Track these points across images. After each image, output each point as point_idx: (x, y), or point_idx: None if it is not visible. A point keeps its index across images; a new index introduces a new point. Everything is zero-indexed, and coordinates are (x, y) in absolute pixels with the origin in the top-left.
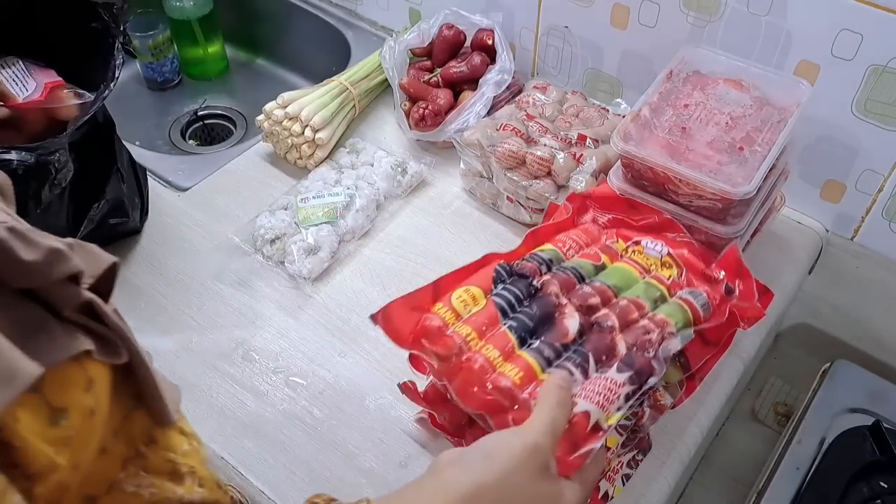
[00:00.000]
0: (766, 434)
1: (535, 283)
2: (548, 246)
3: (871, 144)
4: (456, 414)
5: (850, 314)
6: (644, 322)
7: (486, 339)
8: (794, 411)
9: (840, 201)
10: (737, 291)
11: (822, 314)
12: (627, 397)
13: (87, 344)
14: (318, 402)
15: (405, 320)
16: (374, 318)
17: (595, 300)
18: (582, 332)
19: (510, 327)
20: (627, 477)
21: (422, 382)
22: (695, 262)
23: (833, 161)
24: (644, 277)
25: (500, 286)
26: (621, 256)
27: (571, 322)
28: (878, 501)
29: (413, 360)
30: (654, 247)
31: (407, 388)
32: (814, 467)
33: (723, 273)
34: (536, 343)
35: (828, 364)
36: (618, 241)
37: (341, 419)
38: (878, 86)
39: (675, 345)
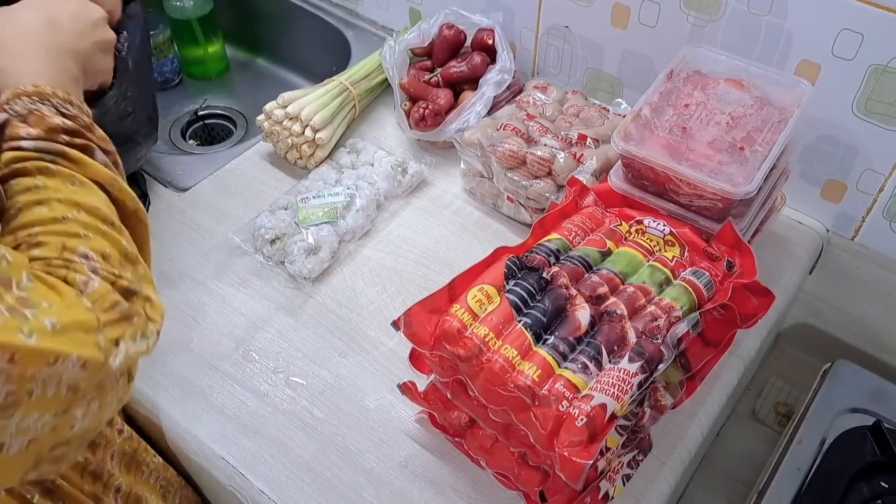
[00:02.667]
0: (767, 434)
1: (545, 275)
2: (554, 235)
3: (871, 144)
4: (456, 414)
5: (850, 314)
6: (651, 308)
7: (504, 338)
8: (794, 411)
9: (841, 201)
10: (737, 267)
11: (822, 314)
12: (640, 385)
13: None
14: (318, 402)
15: (424, 324)
16: (395, 324)
17: (603, 289)
18: (593, 323)
19: (525, 325)
20: (628, 477)
21: (422, 383)
22: (696, 241)
23: (834, 161)
24: (648, 261)
25: (512, 282)
26: (625, 239)
27: (583, 314)
28: (879, 502)
29: (414, 360)
30: (656, 226)
31: (407, 389)
32: (814, 467)
33: (723, 249)
34: (551, 339)
35: (828, 364)
36: (621, 223)
37: (341, 419)
38: (878, 86)
39: (681, 328)
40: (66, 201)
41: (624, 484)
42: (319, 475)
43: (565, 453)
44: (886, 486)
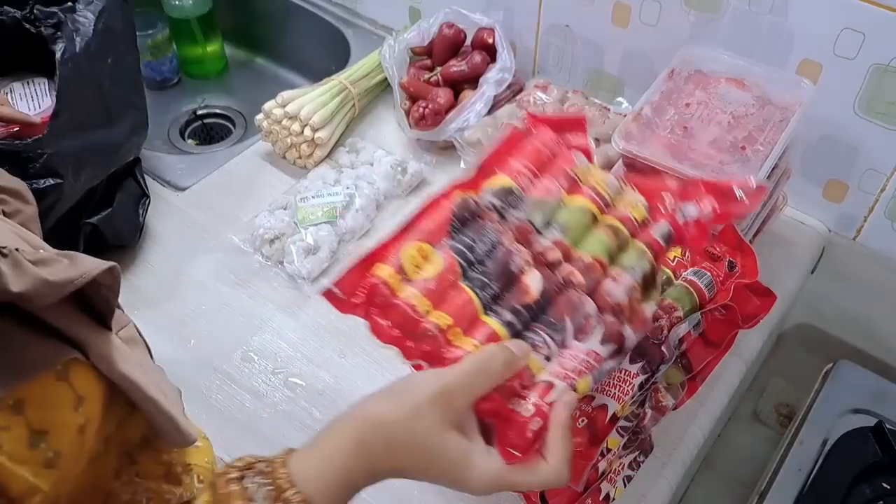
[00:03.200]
0: (769, 435)
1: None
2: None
3: (873, 144)
4: None
5: (852, 314)
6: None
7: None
8: (796, 412)
9: (842, 201)
10: (738, 267)
11: (824, 314)
12: (641, 386)
13: (69, 353)
14: (317, 402)
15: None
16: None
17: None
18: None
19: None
20: (629, 478)
21: None
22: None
23: (835, 161)
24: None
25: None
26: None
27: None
28: (881, 503)
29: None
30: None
31: None
32: (816, 468)
33: (724, 249)
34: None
35: (830, 365)
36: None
37: None
38: (880, 85)
39: (683, 329)
40: None
41: (625, 485)
42: None
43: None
44: (888, 486)
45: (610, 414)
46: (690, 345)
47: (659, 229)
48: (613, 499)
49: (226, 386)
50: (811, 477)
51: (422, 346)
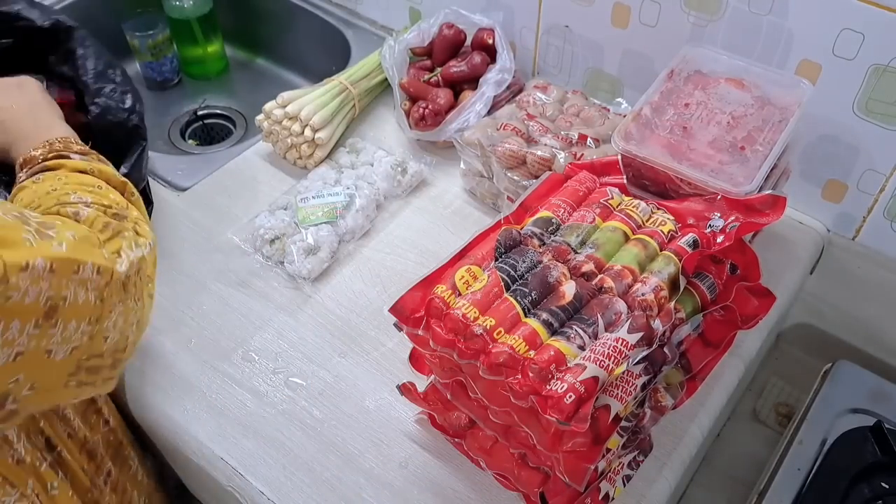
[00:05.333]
0: (768, 435)
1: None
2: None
3: (872, 144)
4: (456, 415)
5: (851, 314)
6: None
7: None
8: (795, 412)
9: (841, 201)
10: (740, 269)
11: (823, 314)
12: (643, 386)
13: None
14: (317, 402)
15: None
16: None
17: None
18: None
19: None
20: (628, 478)
21: (421, 383)
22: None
23: (834, 161)
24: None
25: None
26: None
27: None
28: (880, 502)
29: (413, 360)
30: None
31: (406, 390)
32: (815, 468)
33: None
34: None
35: (829, 364)
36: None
37: (341, 420)
38: (879, 85)
39: (685, 331)
40: (52, 178)
41: (624, 485)
42: (319, 476)
43: (570, 453)
44: (887, 486)
45: (613, 414)
46: (690, 345)
47: (685, 239)
48: (613, 498)
49: (226, 386)
50: (810, 476)
51: (472, 345)
